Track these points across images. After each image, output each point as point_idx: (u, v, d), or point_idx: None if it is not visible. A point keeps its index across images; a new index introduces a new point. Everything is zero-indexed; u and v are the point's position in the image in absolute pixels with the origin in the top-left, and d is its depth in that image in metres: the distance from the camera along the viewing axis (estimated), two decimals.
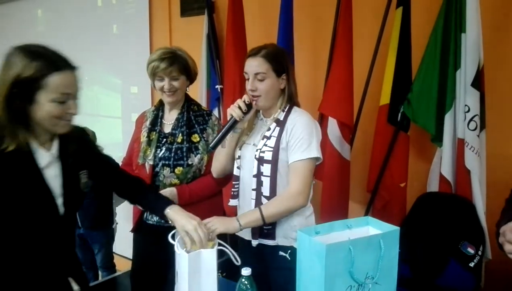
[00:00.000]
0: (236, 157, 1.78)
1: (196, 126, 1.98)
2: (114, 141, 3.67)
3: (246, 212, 1.69)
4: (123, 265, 2.90)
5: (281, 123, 1.70)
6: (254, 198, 1.70)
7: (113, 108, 3.88)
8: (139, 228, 2.07)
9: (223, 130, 1.69)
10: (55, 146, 1.36)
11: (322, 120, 2.38)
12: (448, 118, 2.03)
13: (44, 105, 1.25)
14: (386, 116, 2.22)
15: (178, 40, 3.31)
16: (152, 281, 2.07)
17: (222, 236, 1.57)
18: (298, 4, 2.53)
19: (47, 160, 1.33)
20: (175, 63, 1.90)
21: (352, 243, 1.21)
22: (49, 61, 1.25)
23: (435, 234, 1.95)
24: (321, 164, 1.75)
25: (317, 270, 1.21)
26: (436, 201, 2.10)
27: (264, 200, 1.68)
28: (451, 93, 2.02)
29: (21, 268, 1.32)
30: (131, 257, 2.16)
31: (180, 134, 1.95)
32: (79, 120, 1.40)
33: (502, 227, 1.39)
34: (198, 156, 1.95)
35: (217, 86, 2.93)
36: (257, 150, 1.69)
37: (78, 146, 1.42)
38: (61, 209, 1.36)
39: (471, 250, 1.88)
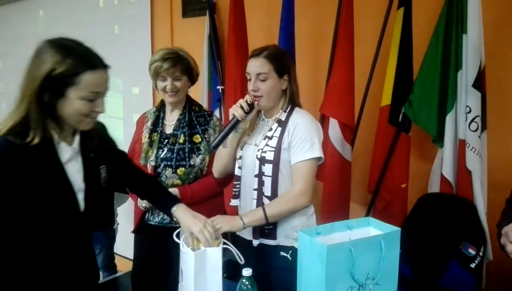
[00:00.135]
0: (238, 157, 1.79)
1: (198, 127, 1.98)
2: None
3: (249, 211, 1.69)
4: (123, 266, 2.90)
5: (282, 124, 1.70)
6: (256, 198, 1.70)
7: (115, 109, 3.88)
8: (141, 229, 2.07)
9: (225, 130, 1.70)
10: (76, 140, 1.36)
11: (323, 121, 2.38)
12: (449, 119, 2.03)
13: (73, 102, 1.25)
14: (387, 117, 2.22)
15: (179, 41, 3.31)
16: (153, 281, 2.07)
17: (222, 236, 1.57)
18: (299, 5, 2.53)
19: (69, 154, 1.33)
20: (178, 63, 1.91)
21: (353, 244, 1.21)
22: (83, 58, 1.24)
23: (436, 234, 1.94)
24: (322, 164, 1.76)
25: (318, 270, 1.21)
26: (437, 202, 2.10)
27: (265, 200, 1.68)
28: (452, 94, 2.02)
29: (40, 264, 1.31)
30: (132, 258, 2.16)
31: (182, 135, 1.95)
32: None
33: (504, 228, 1.39)
34: (200, 156, 1.95)
35: (218, 87, 2.94)
36: (258, 150, 1.70)
37: (99, 141, 1.43)
38: (82, 205, 1.36)
39: (472, 251, 1.88)
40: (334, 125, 2.34)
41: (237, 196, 1.80)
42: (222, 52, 3.01)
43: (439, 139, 2.09)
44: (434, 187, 2.15)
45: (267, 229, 1.69)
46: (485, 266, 2.01)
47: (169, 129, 2.00)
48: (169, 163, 1.94)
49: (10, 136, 1.22)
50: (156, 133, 1.99)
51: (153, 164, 1.95)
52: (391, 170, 2.24)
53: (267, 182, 1.68)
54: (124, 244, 2.67)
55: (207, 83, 3.02)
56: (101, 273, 2.93)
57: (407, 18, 2.15)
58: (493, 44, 2.05)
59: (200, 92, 3.00)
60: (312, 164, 1.66)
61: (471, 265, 1.87)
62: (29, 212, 1.25)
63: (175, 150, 1.94)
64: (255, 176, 1.70)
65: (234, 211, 1.87)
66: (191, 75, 2.00)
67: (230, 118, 1.70)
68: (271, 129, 1.72)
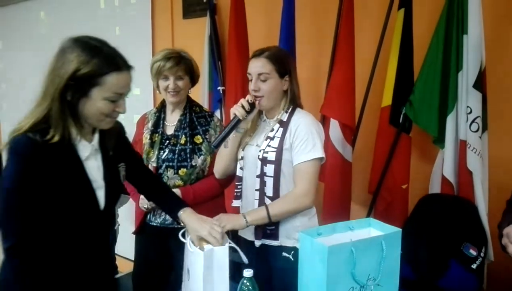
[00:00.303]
0: (239, 157, 1.79)
1: (199, 127, 1.99)
2: None
3: (252, 209, 1.70)
4: (124, 267, 2.90)
5: (284, 124, 1.70)
6: (257, 198, 1.70)
7: None
8: (142, 230, 2.07)
9: (226, 130, 1.70)
10: (96, 138, 1.37)
11: (324, 122, 2.38)
12: (450, 120, 2.03)
13: (96, 102, 1.25)
14: (388, 118, 2.22)
15: (180, 42, 3.31)
16: (154, 282, 2.07)
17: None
18: (300, 6, 2.54)
19: (89, 151, 1.33)
20: (181, 62, 1.92)
21: (354, 245, 1.22)
22: (109, 59, 1.25)
23: (437, 235, 1.94)
24: (323, 165, 1.76)
25: (319, 271, 1.21)
26: (438, 203, 2.10)
27: (267, 200, 1.68)
28: (453, 95, 2.02)
29: (61, 260, 1.32)
30: (132, 258, 2.16)
31: (183, 135, 1.95)
32: None
33: (505, 228, 1.39)
34: (201, 157, 1.95)
35: (219, 88, 2.94)
36: (260, 151, 1.70)
37: (117, 139, 1.45)
38: (102, 203, 1.36)
39: (473, 252, 1.88)
40: (334, 126, 2.33)
41: (238, 197, 1.81)
42: (223, 53, 3.01)
43: (440, 140, 2.09)
44: (435, 187, 2.15)
45: (269, 229, 1.69)
46: (486, 266, 2.00)
47: (170, 130, 2.01)
48: (170, 164, 1.94)
49: (31, 134, 1.22)
50: (157, 135, 2.00)
51: (154, 165, 1.95)
52: (392, 171, 2.24)
53: (269, 182, 1.68)
54: (125, 245, 2.67)
55: (207, 84, 3.02)
56: None
57: (407, 19, 2.15)
58: (494, 44, 2.05)
59: (200, 93, 3.00)
60: (314, 164, 1.66)
61: (472, 266, 1.87)
62: (50, 208, 1.26)
63: (177, 151, 1.94)
64: (257, 176, 1.70)
65: (236, 212, 1.87)
66: (193, 76, 2.00)
67: (231, 118, 1.70)
68: (272, 130, 1.72)
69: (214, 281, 1.38)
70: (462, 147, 2.00)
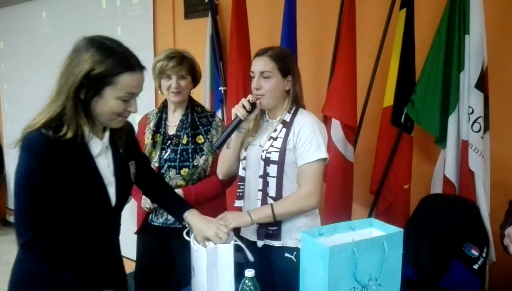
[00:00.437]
0: (242, 157, 1.79)
1: (201, 127, 1.99)
2: None
3: (258, 207, 1.69)
4: (126, 266, 2.89)
5: (287, 125, 1.70)
6: (260, 198, 1.70)
7: None
8: (144, 230, 2.08)
9: (227, 130, 1.70)
10: (106, 136, 1.39)
11: (326, 122, 2.38)
12: (452, 120, 2.03)
13: (109, 101, 1.27)
14: (390, 118, 2.22)
15: (182, 42, 3.32)
16: (155, 282, 2.07)
17: None
18: (302, 6, 2.53)
19: (100, 148, 1.35)
20: (184, 62, 1.93)
21: (356, 245, 1.22)
22: (123, 59, 1.27)
23: (439, 235, 1.94)
24: (325, 165, 1.76)
25: (320, 271, 1.21)
26: (440, 203, 2.10)
27: (270, 201, 1.68)
28: (455, 95, 2.01)
29: (71, 255, 1.32)
30: (134, 258, 2.16)
31: (185, 135, 1.96)
32: None
33: (507, 228, 1.39)
34: (203, 157, 1.96)
35: (220, 88, 2.94)
36: (263, 151, 1.70)
37: (126, 138, 1.46)
38: (113, 199, 1.38)
39: (475, 252, 1.88)
40: (336, 127, 2.33)
41: (241, 197, 1.80)
42: (224, 53, 3.01)
43: (441, 140, 2.09)
44: (437, 187, 2.14)
45: (271, 230, 1.69)
46: (488, 267, 2.00)
47: (171, 130, 2.01)
48: (172, 164, 1.94)
49: (44, 130, 1.24)
50: (159, 135, 2.00)
51: (156, 165, 1.95)
52: (393, 171, 2.24)
53: (272, 182, 1.68)
54: (127, 245, 2.66)
55: (209, 84, 3.03)
56: None
57: (409, 19, 2.14)
58: (496, 44, 2.05)
59: (202, 93, 3.00)
60: (319, 165, 1.66)
61: (474, 266, 1.87)
62: (63, 204, 1.27)
63: (179, 151, 1.95)
64: (260, 176, 1.70)
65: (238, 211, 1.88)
66: (195, 76, 2.01)
67: (232, 118, 1.71)
68: (275, 130, 1.72)
69: (218, 279, 1.39)
70: (463, 147, 2.00)
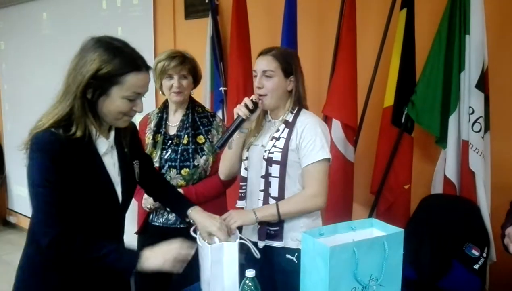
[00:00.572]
0: (244, 158, 1.79)
1: (201, 127, 1.99)
2: None
3: (263, 206, 1.69)
4: None
5: (290, 125, 1.70)
6: (262, 199, 1.70)
7: None
8: (145, 230, 2.08)
9: (229, 130, 1.69)
10: (112, 135, 1.40)
11: (326, 122, 2.37)
12: (452, 120, 2.03)
13: (115, 100, 1.29)
14: (390, 118, 2.22)
15: (182, 43, 3.32)
16: (156, 282, 2.07)
17: None
18: (302, 7, 2.54)
19: (106, 147, 1.37)
20: (185, 62, 1.94)
21: (356, 245, 1.21)
22: (129, 60, 1.29)
23: (439, 236, 1.94)
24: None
25: (321, 271, 1.21)
26: (440, 203, 2.10)
27: (271, 201, 1.68)
28: (455, 95, 2.01)
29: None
30: None
31: (186, 135, 1.96)
32: None
33: (508, 228, 1.39)
34: (204, 157, 1.96)
35: (221, 88, 2.95)
36: (265, 151, 1.70)
37: (130, 137, 1.48)
38: (120, 197, 1.40)
39: (475, 252, 1.88)
40: (336, 127, 2.34)
41: (243, 197, 1.80)
42: (225, 54, 3.02)
43: (442, 140, 2.09)
44: (437, 188, 2.14)
45: (273, 230, 1.68)
46: (489, 267, 2.00)
47: (172, 131, 2.01)
48: (173, 164, 1.95)
49: (54, 129, 1.26)
50: (159, 135, 2.00)
51: (157, 165, 1.95)
52: (394, 171, 2.24)
53: (274, 183, 1.68)
54: (127, 245, 2.66)
55: (209, 84, 3.03)
56: None
57: (409, 19, 2.15)
58: (496, 45, 2.05)
59: (202, 94, 3.00)
60: (324, 165, 1.66)
61: (474, 266, 1.87)
62: (74, 201, 1.28)
63: (179, 151, 1.95)
64: (262, 177, 1.70)
65: None
66: (196, 77, 2.02)
67: (234, 118, 1.70)
68: (278, 130, 1.71)
69: (223, 276, 1.40)
70: (464, 147, 2.00)
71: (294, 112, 1.72)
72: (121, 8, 3.71)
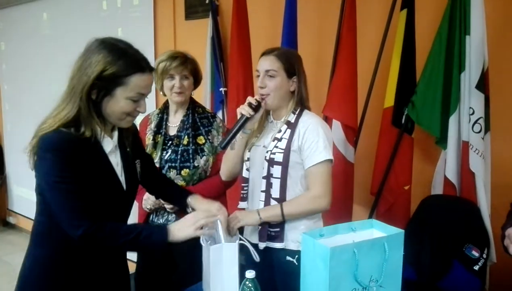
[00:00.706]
0: (245, 158, 1.78)
1: (201, 128, 1.99)
2: None
3: (267, 206, 1.69)
4: None
5: (292, 126, 1.69)
6: (263, 200, 1.69)
7: None
8: None
9: (233, 130, 1.68)
10: (115, 135, 1.43)
11: (326, 123, 2.38)
12: (452, 120, 2.03)
13: (119, 101, 1.32)
14: (390, 119, 2.22)
15: (182, 43, 3.32)
16: (156, 283, 2.07)
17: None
18: (302, 7, 2.54)
19: (111, 147, 1.39)
20: (187, 62, 1.95)
21: (357, 246, 1.21)
22: (134, 61, 1.31)
23: (439, 236, 1.94)
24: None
25: (321, 272, 1.21)
26: (441, 204, 2.10)
27: (273, 202, 1.68)
28: (455, 96, 2.01)
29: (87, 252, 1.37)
30: (135, 260, 2.16)
31: (186, 136, 1.96)
32: None
33: (508, 229, 1.39)
34: (204, 157, 1.96)
35: (221, 89, 2.95)
36: (267, 151, 1.69)
37: (132, 137, 1.51)
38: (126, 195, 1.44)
39: (475, 253, 1.88)
40: (337, 127, 2.33)
41: (245, 198, 1.79)
42: (225, 54, 3.02)
43: (442, 141, 2.09)
44: (437, 188, 2.14)
45: (273, 232, 1.68)
46: (489, 268, 2.00)
47: (172, 131, 2.01)
48: (173, 165, 1.95)
49: (64, 129, 1.28)
50: (160, 135, 2.00)
51: (157, 165, 1.95)
52: (394, 172, 2.23)
53: (276, 183, 1.67)
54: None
55: (210, 85, 3.03)
56: None
57: (410, 19, 2.15)
58: (496, 45, 2.05)
59: (203, 94, 3.00)
60: (327, 166, 1.65)
61: (474, 267, 1.87)
62: (88, 196, 1.31)
63: (179, 151, 1.95)
64: (263, 177, 1.70)
65: None
66: (197, 78, 2.02)
67: (238, 118, 1.70)
68: (280, 131, 1.71)
69: (223, 277, 1.40)
70: (464, 148, 2.00)
71: (296, 113, 1.72)
72: (121, 9, 3.71)
